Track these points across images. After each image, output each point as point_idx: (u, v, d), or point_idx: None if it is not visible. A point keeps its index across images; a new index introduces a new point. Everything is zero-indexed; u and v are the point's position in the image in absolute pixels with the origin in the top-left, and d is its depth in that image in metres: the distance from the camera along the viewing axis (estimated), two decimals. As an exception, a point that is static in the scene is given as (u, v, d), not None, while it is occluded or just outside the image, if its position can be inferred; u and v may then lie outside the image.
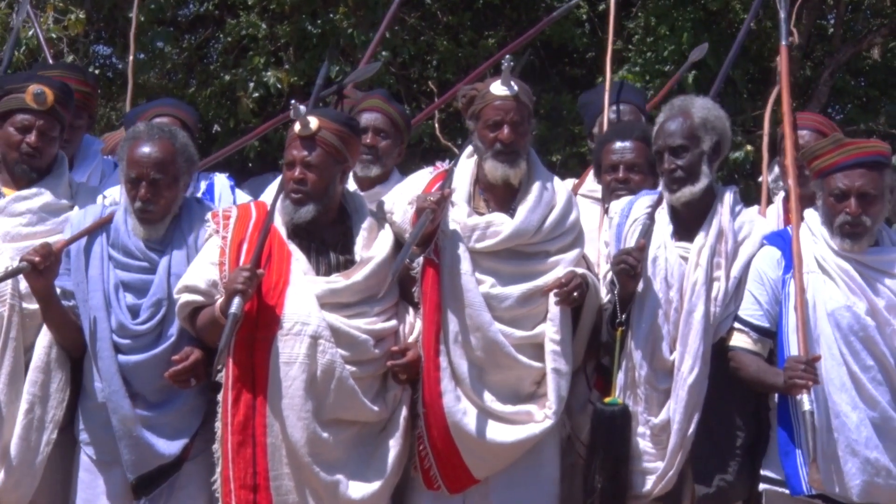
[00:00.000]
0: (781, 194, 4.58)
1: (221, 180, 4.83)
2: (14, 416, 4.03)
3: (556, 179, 4.16)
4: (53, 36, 8.03)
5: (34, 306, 4.05)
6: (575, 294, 3.95)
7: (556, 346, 3.98)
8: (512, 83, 3.99)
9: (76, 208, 4.17)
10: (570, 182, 4.86)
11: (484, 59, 9.18)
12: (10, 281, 3.99)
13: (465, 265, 3.95)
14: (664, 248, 4.04)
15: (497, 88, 3.99)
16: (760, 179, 4.84)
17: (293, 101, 3.98)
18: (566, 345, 4.00)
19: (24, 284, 4.02)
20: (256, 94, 8.99)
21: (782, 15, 4.31)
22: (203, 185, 4.79)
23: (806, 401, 3.71)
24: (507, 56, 3.98)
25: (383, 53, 8.83)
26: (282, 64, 9.23)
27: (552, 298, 3.96)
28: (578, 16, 9.52)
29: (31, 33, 7.97)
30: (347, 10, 8.98)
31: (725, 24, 9.39)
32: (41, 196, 4.13)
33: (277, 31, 9.11)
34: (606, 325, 4.06)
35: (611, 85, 5.05)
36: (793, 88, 9.30)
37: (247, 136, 5.54)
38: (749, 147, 9.09)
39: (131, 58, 6.42)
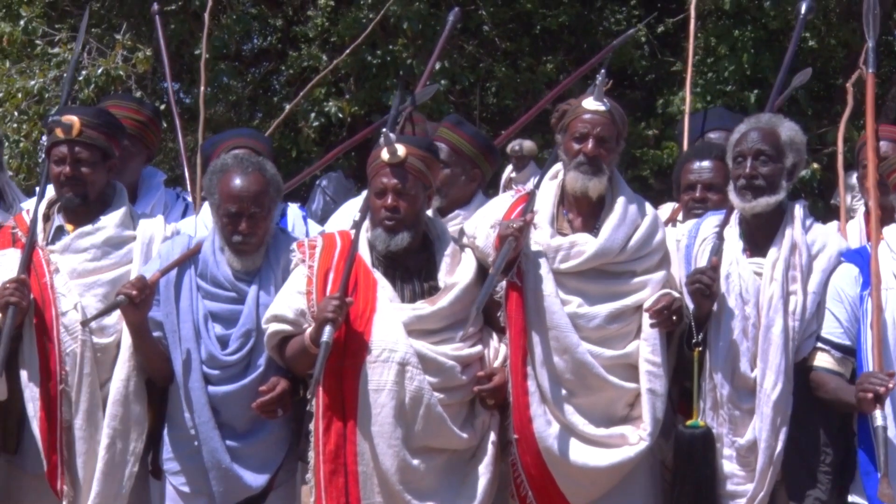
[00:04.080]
0: (862, 209, 4.59)
1: (294, 210, 4.85)
2: (95, 451, 4.07)
3: (642, 199, 4.15)
4: (121, 73, 8.24)
5: (106, 341, 4.10)
6: (674, 318, 3.94)
7: (651, 366, 3.96)
8: (605, 99, 4.01)
9: (139, 240, 4.20)
10: (670, 206, 4.80)
11: (543, 85, 9.29)
12: (80, 316, 4.04)
13: (549, 287, 3.95)
14: (737, 264, 4.03)
15: (589, 102, 4.02)
16: (835, 200, 4.86)
17: (384, 130, 4.03)
18: (662, 365, 3.98)
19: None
20: (317, 124, 9.14)
21: (870, 44, 4.30)
22: (277, 214, 4.83)
23: (878, 416, 3.68)
24: (602, 72, 4.00)
25: (442, 82, 8.95)
26: (343, 94, 9.38)
27: (647, 320, 3.95)
28: (637, 39, 9.59)
29: (99, 71, 8.18)
30: (406, 41, 9.11)
31: (788, 43, 9.38)
32: (103, 231, 4.16)
33: (338, 63, 9.26)
34: (683, 346, 4.03)
35: (693, 115, 5.09)
36: (859, 106, 9.30)
37: (320, 162, 5.61)
38: (815, 165, 9.08)
39: (203, 88, 6.57)
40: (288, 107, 8.90)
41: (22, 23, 8.35)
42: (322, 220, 5.03)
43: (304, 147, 9.31)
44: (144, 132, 4.79)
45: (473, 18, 9.41)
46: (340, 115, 9.07)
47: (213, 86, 9.16)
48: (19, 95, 8.13)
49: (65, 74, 8.24)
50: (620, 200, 4.06)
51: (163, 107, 9.08)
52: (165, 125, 8.35)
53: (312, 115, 9.15)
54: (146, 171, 4.88)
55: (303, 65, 9.17)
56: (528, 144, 7.10)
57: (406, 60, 9.05)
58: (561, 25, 9.59)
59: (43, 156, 4.42)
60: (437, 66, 8.67)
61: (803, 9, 4.65)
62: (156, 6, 6.11)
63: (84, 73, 8.31)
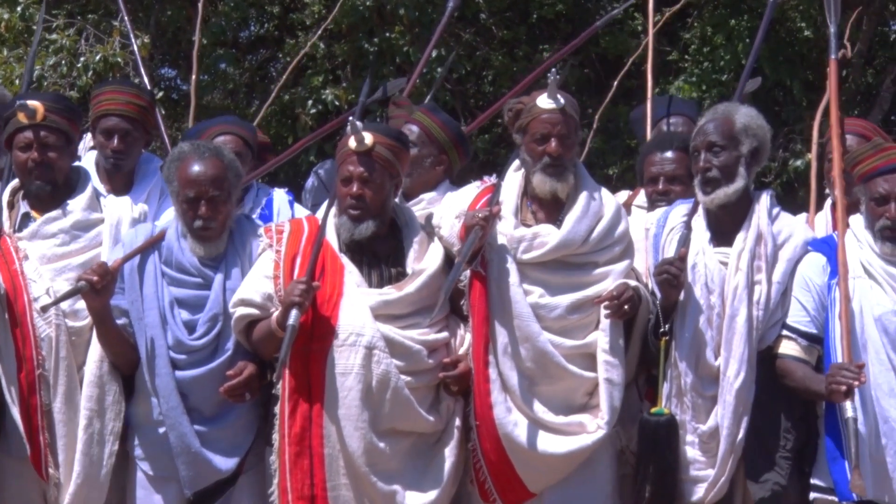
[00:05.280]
0: (829, 201, 4.59)
1: (280, 195, 4.87)
2: (75, 434, 4.08)
3: (604, 191, 4.16)
4: (119, 60, 8.23)
5: (80, 324, 4.10)
6: (626, 307, 3.94)
7: (608, 355, 3.97)
8: (558, 95, 4.00)
9: (107, 222, 4.21)
10: (625, 194, 4.86)
11: (541, 76, 9.23)
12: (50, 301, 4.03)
13: (513, 277, 3.96)
14: (703, 255, 4.05)
15: (543, 101, 4.00)
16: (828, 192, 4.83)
17: (351, 118, 4.03)
18: (619, 355, 3.99)
19: (67, 303, 4.05)
20: (314, 111, 9.14)
21: (832, 29, 4.29)
22: (263, 199, 4.84)
23: (848, 407, 3.70)
24: (553, 69, 3.99)
25: (438, 70, 8.92)
26: (339, 82, 9.37)
27: (603, 310, 3.95)
28: (633, 28, 9.53)
29: (97, 58, 8.18)
30: (403, 29, 9.08)
31: (784, 33, 9.35)
32: (70, 215, 4.15)
33: (335, 50, 9.23)
34: (650, 335, 4.05)
35: (653, 97, 5.08)
36: (854, 95, 9.23)
37: (294, 146, 5.59)
38: (810, 155, 9.03)
39: (194, 77, 6.56)
40: (287, 95, 8.96)
41: (19, 9, 8.33)
42: (314, 202, 5.01)
43: (302, 135, 9.28)
44: (145, 117, 4.80)
45: (471, 6, 9.36)
46: (337, 103, 9.06)
47: (210, 73, 9.15)
48: (17, 82, 8.11)
49: (63, 61, 8.25)
50: (584, 192, 4.06)
51: (160, 94, 9.11)
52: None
53: (310, 102, 9.13)
54: (143, 156, 4.89)
55: (300, 52, 9.16)
56: None
57: (403, 48, 9.01)
58: (558, 14, 9.53)
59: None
60: (433, 53, 8.64)
61: None
62: None
63: (82, 59, 8.31)
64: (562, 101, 4.01)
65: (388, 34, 9.08)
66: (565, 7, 9.43)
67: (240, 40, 9.94)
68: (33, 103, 4.17)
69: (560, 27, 9.58)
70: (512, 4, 9.54)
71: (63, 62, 8.29)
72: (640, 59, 9.72)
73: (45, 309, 4.03)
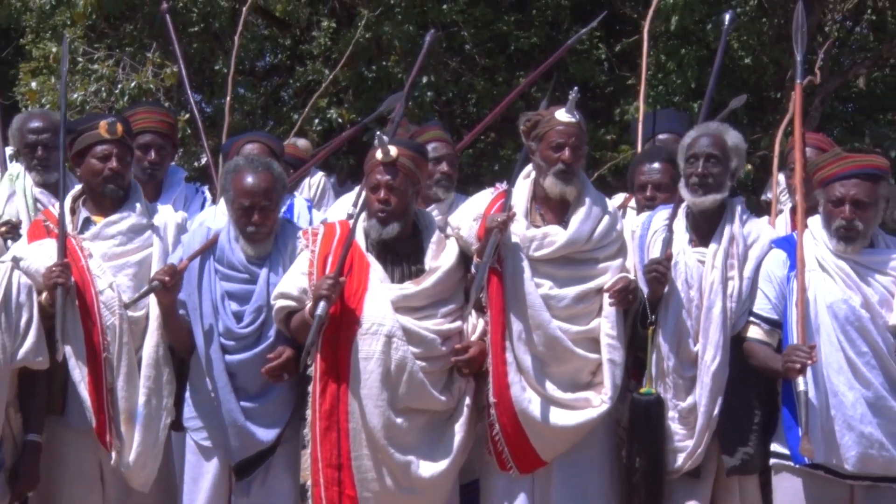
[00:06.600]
0: (789, 205, 4.62)
1: (300, 201, 4.89)
2: (134, 409, 4.09)
3: (603, 196, 4.17)
4: (152, 87, 8.20)
5: (138, 314, 4.11)
6: (630, 297, 3.95)
7: (611, 339, 3.97)
8: (574, 112, 4.01)
9: (156, 226, 4.22)
10: (621, 196, 4.85)
11: (517, 97, 9.25)
12: (115, 294, 4.07)
13: (526, 272, 3.95)
14: (683, 254, 4.05)
15: (562, 115, 4.00)
16: (767, 196, 4.84)
17: (378, 133, 4.02)
18: (620, 338, 3.99)
19: (127, 294, 4.09)
20: (320, 128, 9.15)
21: (798, 58, 4.28)
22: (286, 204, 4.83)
23: (800, 382, 3.72)
24: (575, 88, 4.01)
25: (429, 94, 8.91)
26: (342, 104, 9.36)
27: (607, 299, 3.95)
28: (598, 56, 9.56)
29: (132, 85, 8.14)
30: (398, 58, 9.09)
31: (727, 61, 9.39)
32: (127, 219, 4.17)
33: (339, 76, 9.23)
34: (638, 324, 4.04)
35: (644, 117, 5.10)
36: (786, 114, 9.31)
37: (316, 157, 5.62)
38: (749, 166, 9.08)
39: (228, 98, 6.56)
40: (298, 116, 8.95)
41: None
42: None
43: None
44: (173, 133, 4.86)
45: (456, 39, 9.38)
46: (340, 121, 9.07)
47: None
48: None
49: (102, 88, 8.21)
50: (587, 197, 4.05)
51: (187, 115, 9.07)
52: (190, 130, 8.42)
53: (316, 121, 9.13)
54: (170, 168, 4.93)
55: (308, 78, 9.16)
56: (302, 143, 6.99)
57: (397, 75, 9.02)
58: (533, 45, 9.55)
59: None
60: (424, 79, 8.65)
61: (726, 20, 4.59)
62: (165, 5, 6.01)
63: (119, 86, 8.30)
64: (578, 116, 4.02)
65: (384, 62, 9.08)
66: (539, 39, 9.46)
67: (256, 69, 9.91)
68: (116, 122, 4.20)
69: (535, 56, 9.60)
70: (493, 37, 9.56)
71: (103, 89, 8.30)
72: (603, 84, 9.81)
73: (127, 306, 4.07)
